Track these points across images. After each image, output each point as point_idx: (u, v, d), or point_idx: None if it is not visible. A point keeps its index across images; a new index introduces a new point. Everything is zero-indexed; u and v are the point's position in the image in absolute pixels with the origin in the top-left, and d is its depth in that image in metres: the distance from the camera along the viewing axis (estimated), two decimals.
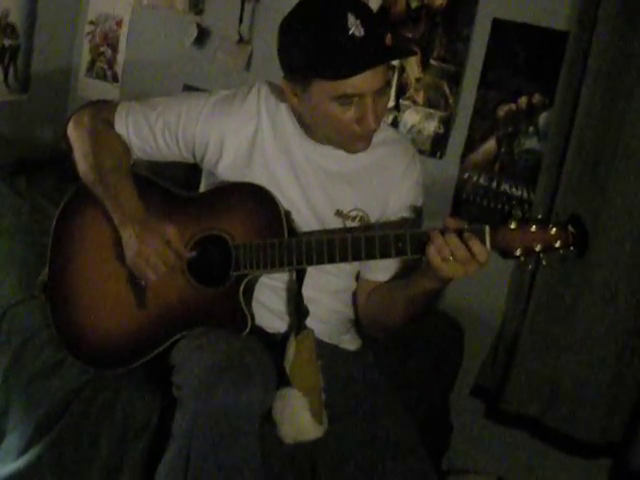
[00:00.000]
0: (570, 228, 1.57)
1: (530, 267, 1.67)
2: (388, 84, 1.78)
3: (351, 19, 1.67)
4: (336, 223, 1.89)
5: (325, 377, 1.84)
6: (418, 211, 1.95)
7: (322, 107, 1.75)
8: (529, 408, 2.57)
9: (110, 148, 1.98)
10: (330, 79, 1.70)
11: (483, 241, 1.61)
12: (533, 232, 1.59)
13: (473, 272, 1.63)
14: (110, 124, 2.01)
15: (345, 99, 1.72)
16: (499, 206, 2.62)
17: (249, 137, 1.90)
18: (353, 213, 1.90)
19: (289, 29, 1.76)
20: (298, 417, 1.76)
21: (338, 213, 1.90)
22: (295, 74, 1.76)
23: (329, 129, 1.81)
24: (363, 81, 1.69)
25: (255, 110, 1.91)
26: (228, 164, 1.91)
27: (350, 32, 1.67)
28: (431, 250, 1.62)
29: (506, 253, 1.61)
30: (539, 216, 1.62)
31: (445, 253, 1.61)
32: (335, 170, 1.89)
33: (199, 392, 1.65)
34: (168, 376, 1.82)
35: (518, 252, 1.60)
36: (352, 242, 1.72)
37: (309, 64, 1.71)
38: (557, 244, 1.58)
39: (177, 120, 1.94)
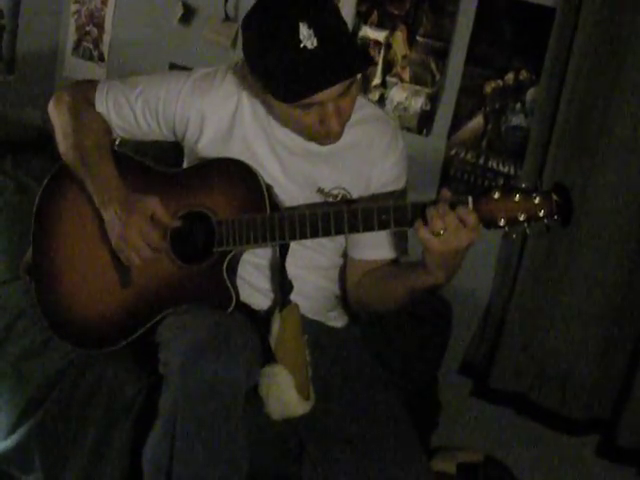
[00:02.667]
0: (554, 197, 1.54)
1: (514, 237, 1.64)
2: (353, 82, 1.69)
3: (303, 30, 1.59)
4: (318, 201, 1.88)
5: (311, 353, 1.83)
6: (402, 188, 1.93)
7: (283, 110, 1.73)
8: (517, 385, 2.58)
9: (90, 127, 1.97)
10: (281, 101, 1.67)
11: None
12: (517, 201, 1.55)
13: (466, 241, 1.58)
14: (91, 103, 2.00)
15: (304, 107, 1.68)
16: (486, 183, 2.61)
17: (229, 115, 1.88)
18: (335, 191, 1.88)
19: (247, 33, 1.71)
20: (284, 393, 1.76)
21: (319, 191, 1.88)
22: (255, 76, 1.74)
23: (295, 128, 1.79)
24: (321, 94, 1.64)
25: (235, 88, 1.89)
26: (208, 142, 1.90)
27: (302, 45, 1.60)
28: (422, 227, 1.59)
29: (490, 223, 1.58)
30: (523, 185, 1.58)
31: (437, 226, 1.57)
32: (315, 149, 1.85)
33: (184, 368, 1.65)
34: (154, 354, 1.82)
35: (502, 222, 1.57)
36: (335, 216, 1.70)
37: (262, 78, 1.69)
38: (541, 213, 1.54)
39: (157, 99, 1.92)
